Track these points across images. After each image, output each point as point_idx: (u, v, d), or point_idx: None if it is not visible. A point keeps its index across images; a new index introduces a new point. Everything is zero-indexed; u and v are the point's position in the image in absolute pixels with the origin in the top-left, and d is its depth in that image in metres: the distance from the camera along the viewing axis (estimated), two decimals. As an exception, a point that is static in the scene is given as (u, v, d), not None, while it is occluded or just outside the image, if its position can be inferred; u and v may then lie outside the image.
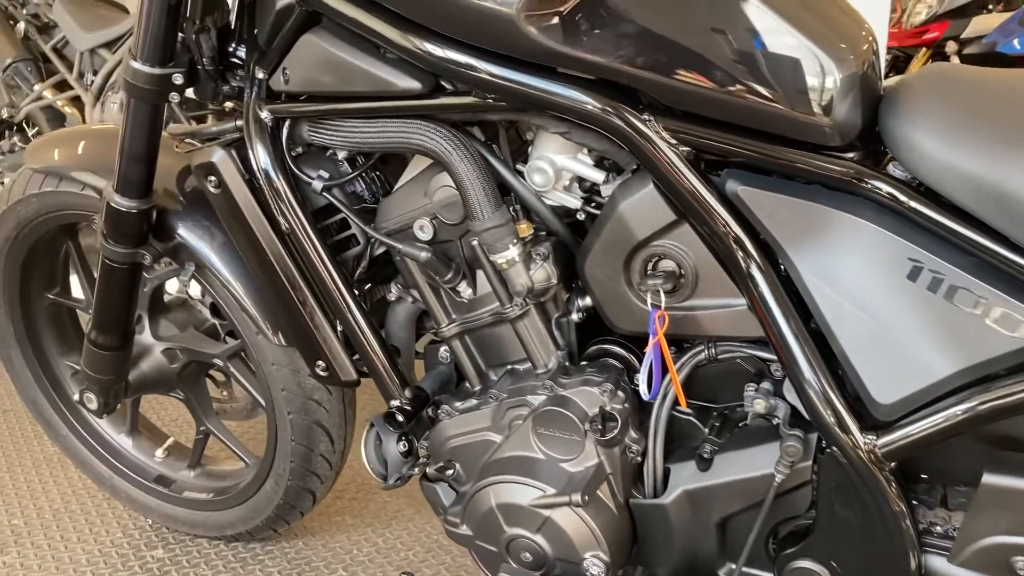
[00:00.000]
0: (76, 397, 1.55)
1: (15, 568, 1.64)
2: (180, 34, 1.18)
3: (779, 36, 0.91)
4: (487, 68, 0.97)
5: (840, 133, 0.93)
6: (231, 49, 1.22)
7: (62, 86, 3.37)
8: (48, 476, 1.96)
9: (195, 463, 1.72)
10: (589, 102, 0.95)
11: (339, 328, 1.22)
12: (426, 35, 0.99)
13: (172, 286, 1.59)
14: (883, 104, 0.97)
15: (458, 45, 0.98)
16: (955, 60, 3.90)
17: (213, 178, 1.17)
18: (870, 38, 0.99)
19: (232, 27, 1.22)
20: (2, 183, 3.70)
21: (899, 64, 4.25)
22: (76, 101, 3.38)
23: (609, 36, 0.92)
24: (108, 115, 3.28)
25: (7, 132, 3.61)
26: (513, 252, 1.05)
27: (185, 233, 1.37)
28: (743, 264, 0.97)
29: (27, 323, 1.69)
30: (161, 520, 1.73)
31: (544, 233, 1.11)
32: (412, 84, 1.02)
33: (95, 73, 3.24)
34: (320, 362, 1.25)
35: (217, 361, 1.54)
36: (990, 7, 4.20)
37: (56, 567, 1.64)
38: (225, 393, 1.78)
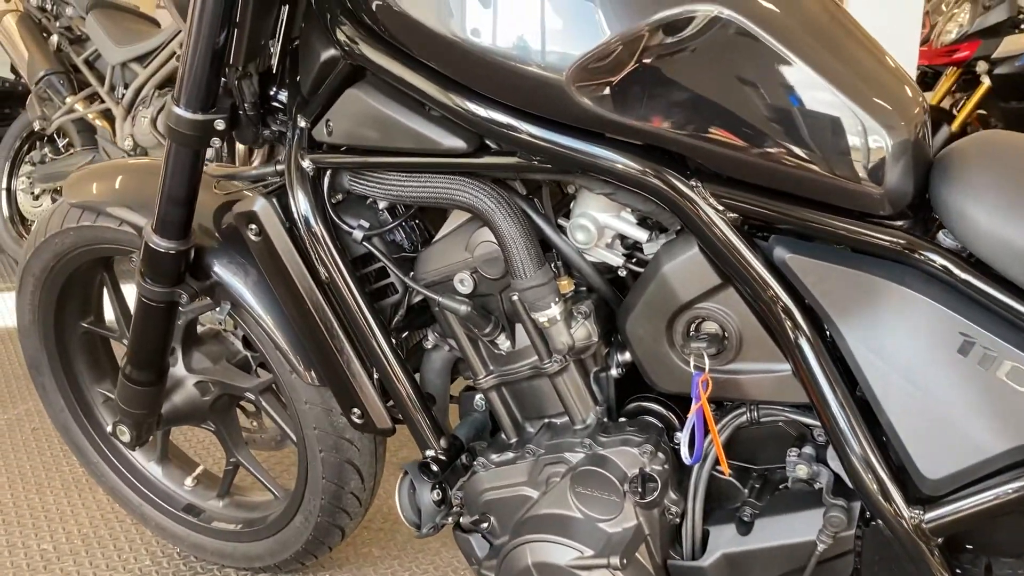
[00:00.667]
0: (109, 429, 1.56)
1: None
2: (222, 79, 1.18)
3: (828, 104, 0.90)
4: (532, 131, 0.96)
5: (890, 202, 0.92)
6: (272, 92, 1.22)
7: (93, 99, 3.40)
8: (77, 498, 1.97)
9: (224, 493, 1.72)
10: (635, 167, 0.94)
11: (375, 376, 1.21)
12: (470, 95, 0.98)
13: (205, 317, 1.59)
14: (934, 170, 0.95)
15: (503, 107, 0.97)
16: (985, 80, 3.86)
17: (254, 226, 1.17)
18: (920, 100, 0.98)
19: (274, 71, 1.22)
20: (34, 193, 3.73)
21: (927, 81, 4.22)
22: (107, 114, 3.40)
23: (658, 104, 0.91)
24: (138, 129, 3.31)
25: (39, 143, 3.64)
26: (555, 311, 1.04)
27: (221, 271, 1.37)
28: (789, 331, 0.96)
29: (61, 351, 1.69)
30: (189, 550, 1.73)
31: (585, 289, 1.11)
32: (456, 143, 1.02)
33: (126, 87, 3.26)
34: (356, 409, 1.24)
35: (249, 395, 1.55)
36: (1023, 27, 4.16)
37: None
38: (255, 423, 1.78)
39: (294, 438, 1.53)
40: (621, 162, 0.94)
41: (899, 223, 0.94)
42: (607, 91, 0.91)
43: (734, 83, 0.90)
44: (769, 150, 0.91)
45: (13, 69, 3.66)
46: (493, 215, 1.03)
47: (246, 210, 1.16)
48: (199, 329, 1.60)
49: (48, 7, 3.60)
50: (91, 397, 1.75)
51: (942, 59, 4.12)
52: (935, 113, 4.60)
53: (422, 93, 1.00)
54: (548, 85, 0.92)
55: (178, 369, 1.55)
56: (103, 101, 3.36)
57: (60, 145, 3.61)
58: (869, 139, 0.89)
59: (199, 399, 1.56)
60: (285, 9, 1.19)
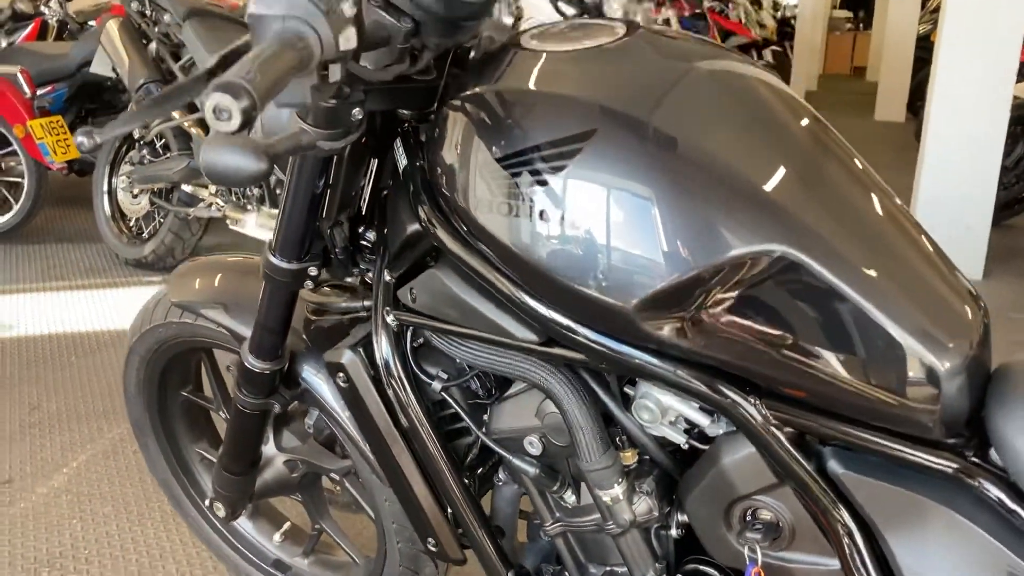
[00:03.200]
0: (206, 504, 1.68)
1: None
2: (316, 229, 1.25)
3: (883, 337, 0.91)
4: (596, 338, 1.00)
5: (943, 425, 0.94)
6: (361, 231, 1.29)
7: (191, 108, 3.52)
8: (175, 533, 2.12)
9: (310, 551, 1.84)
10: (696, 383, 0.98)
11: (448, 511, 1.30)
12: (538, 300, 1.03)
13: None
14: (991, 386, 0.97)
15: (568, 314, 1.02)
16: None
17: (342, 375, 1.26)
18: (979, 307, 0.98)
19: (363, 213, 1.29)
20: (133, 193, 3.90)
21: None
22: (202, 123, 3.53)
23: (722, 336, 0.95)
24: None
25: (138, 144, 3.79)
26: (617, 491, 1.10)
27: (310, 379, 1.46)
28: (840, 535, 1.00)
29: (162, 415, 1.82)
30: (277, 602, 1.87)
31: (648, 458, 1.16)
32: (528, 335, 1.07)
33: (220, 98, 3.37)
34: (430, 539, 1.33)
35: (334, 476, 1.65)
36: None
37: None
38: (338, 488, 1.89)
39: (372, 516, 1.63)
40: (683, 376, 0.98)
41: (952, 441, 0.96)
42: (673, 323, 0.95)
43: (794, 317, 0.93)
44: (824, 377, 0.94)
45: (115, 68, 3.80)
46: (562, 401, 1.09)
47: (335, 361, 1.25)
48: (290, 407, 1.71)
49: (148, 13, 3.72)
50: (189, 456, 1.88)
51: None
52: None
53: (494, 287, 1.06)
54: (614, 311, 0.96)
55: (269, 448, 1.66)
56: (199, 110, 3.49)
57: (158, 146, 3.76)
58: (922, 368, 0.91)
59: (288, 475, 1.67)
60: (375, 162, 1.25)
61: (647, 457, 1.16)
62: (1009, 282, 4.01)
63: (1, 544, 2.09)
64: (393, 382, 1.21)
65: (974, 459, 0.96)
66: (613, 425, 1.13)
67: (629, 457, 1.13)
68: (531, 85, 1.01)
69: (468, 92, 1.05)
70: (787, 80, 9.23)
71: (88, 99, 4.64)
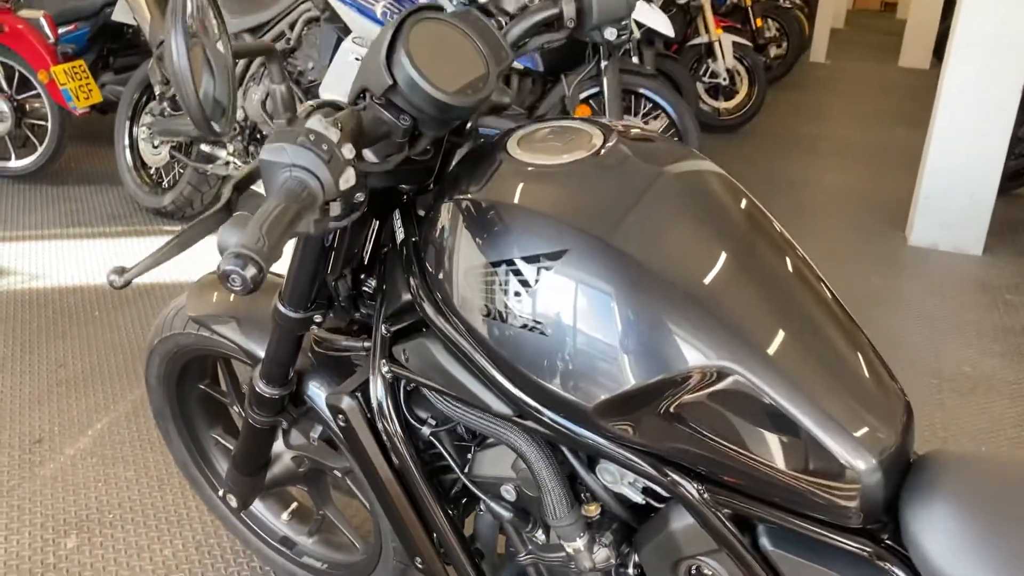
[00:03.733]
0: (220, 494, 1.85)
1: (167, 606, 2.00)
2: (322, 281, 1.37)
3: (809, 431, 1.02)
4: (560, 422, 1.12)
5: (862, 513, 1.06)
6: (363, 277, 1.40)
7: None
8: (192, 501, 2.30)
9: (315, 531, 2.02)
10: (647, 468, 1.11)
11: (435, 535, 1.45)
12: (511, 382, 1.14)
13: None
14: (908, 479, 1.07)
15: (535, 399, 1.14)
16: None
17: (342, 416, 1.39)
18: (900, 400, 1.08)
19: (364, 263, 1.40)
20: (154, 144, 4.00)
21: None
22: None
23: (670, 436, 1.07)
24: (248, 105, 3.50)
25: (157, 97, 3.87)
26: (579, 543, 1.24)
27: (315, 397, 1.60)
28: None
29: (181, 404, 1.97)
30: (283, 575, 2.05)
31: (609, 512, 1.30)
32: (503, 409, 1.19)
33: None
34: (417, 558, 1.49)
35: (336, 473, 1.81)
36: None
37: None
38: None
39: (369, 508, 1.79)
40: (636, 461, 1.11)
41: (871, 526, 1.09)
42: (626, 423, 1.08)
43: (733, 421, 1.05)
44: (758, 472, 1.07)
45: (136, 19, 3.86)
46: (533, 463, 1.22)
47: (335, 405, 1.38)
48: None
49: (168, -34, 3.75)
50: (206, 441, 2.04)
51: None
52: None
53: (474, 363, 1.18)
54: (574, 407, 1.09)
55: (278, 445, 1.81)
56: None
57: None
58: (843, 466, 1.03)
59: (295, 469, 1.82)
60: (376, 223, 1.36)
61: (610, 510, 1.30)
62: (1009, 260, 4.07)
63: (34, 505, 2.28)
64: (386, 424, 1.34)
65: (888, 542, 1.09)
66: (579, 482, 1.27)
67: (592, 510, 1.26)
68: (514, 199, 1.11)
69: (457, 194, 1.16)
70: (812, 17, 9.06)
71: (110, 39, 4.71)
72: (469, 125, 1.28)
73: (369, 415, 1.37)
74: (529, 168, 1.14)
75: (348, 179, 0.98)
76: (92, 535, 2.18)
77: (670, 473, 1.11)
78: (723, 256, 1.10)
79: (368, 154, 1.15)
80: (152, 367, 1.89)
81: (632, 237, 1.07)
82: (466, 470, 1.36)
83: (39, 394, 2.75)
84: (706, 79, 5.93)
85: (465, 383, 1.22)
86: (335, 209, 1.02)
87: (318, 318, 1.39)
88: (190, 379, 1.95)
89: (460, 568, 1.44)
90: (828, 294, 1.15)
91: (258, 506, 2.06)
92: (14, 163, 4.51)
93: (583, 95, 4.04)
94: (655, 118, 4.54)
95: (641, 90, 4.06)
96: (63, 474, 2.39)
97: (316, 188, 0.93)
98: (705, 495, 1.11)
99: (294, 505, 2.07)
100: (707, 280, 1.07)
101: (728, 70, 5.83)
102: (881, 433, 1.06)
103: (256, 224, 0.86)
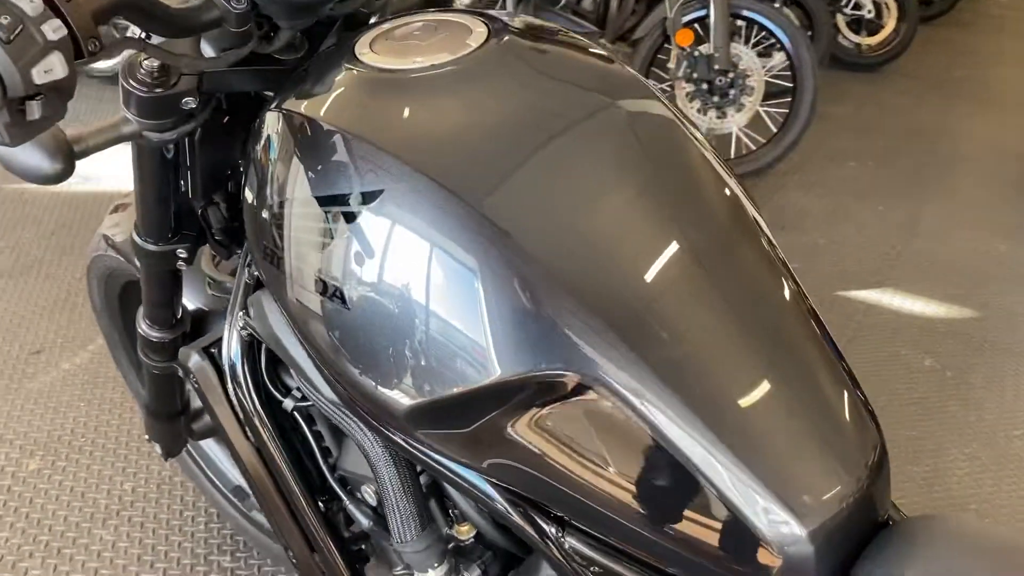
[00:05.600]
0: (147, 437, 1.65)
1: (107, 545, 1.84)
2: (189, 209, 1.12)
3: (703, 468, 0.71)
4: (377, 421, 0.85)
5: None
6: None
7: None
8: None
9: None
10: (496, 501, 0.81)
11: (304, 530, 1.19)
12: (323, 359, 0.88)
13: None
14: (871, 547, 0.76)
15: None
16: None
17: (192, 376, 1.14)
18: (870, 448, 0.76)
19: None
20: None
21: None
22: None
23: (508, 462, 0.77)
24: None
25: None
26: (435, 574, 0.96)
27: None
28: None
29: (128, 331, 1.78)
30: (235, 530, 1.85)
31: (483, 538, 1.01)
32: (332, 396, 0.92)
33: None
34: (289, 551, 1.24)
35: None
36: None
37: (139, 555, 1.82)
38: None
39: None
40: (487, 494, 0.81)
41: None
42: (450, 439, 0.77)
43: (596, 455, 0.74)
44: (630, 518, 0.75)
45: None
46: (376, 467, 0.94)
47: (185, 363, 1.13)
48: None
49: None
50: (157, 373, 1.85)
51: None
52: None
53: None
54: (391, 412, 0.80)
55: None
56: None
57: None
58: (755, 530, 0.71)
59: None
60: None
61: (485, 536, 1.00)
62: None
63: (10, 420, 2.16)
64: (239, 391, 1.08)
65: None
66: (446, 496, 0.98)
67: (464, 532, 0.97)
68: (330, 116, 0.81)
69: (282, 102, 0.87)
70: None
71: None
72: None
73: (222, 379, 1.11)
74: (366, 75, 0.83)
75: (52, 67, 0.69)
76: (57, 458, 2.05)
77: (535, 515, 0.81)
78: (634, 224, 0.77)
79: (206, 48, 0.88)
80: (92, 290, 1.71)
81: (477, 182, 0.75)
82: (331, 459, 1.09)
83: (58, 301, 2.64)
84: (848, 10, 5.29)
85: (291, 352, 0.95)
86: (32, 111, 0.72)
87: (183, 252, 1.13)
88: (132, 305, 1.74)
89: (332, 571, 1.17)
90: (792, 297, 0.80)
91: (215, 450, 1.87)
92: None
93: (686, 18, 3.61)
94: (777, 49, 4.04)
95: (753, 15, 3.59)
96: (50, 390, 2.27)
97: None
98: (565, 544, 0.80)
99: (253, 454, 1.86)
100: (591, 257, 0.74)
101: (875, 1, 5.18)
102: (824, 491, 0.72)
103: None
